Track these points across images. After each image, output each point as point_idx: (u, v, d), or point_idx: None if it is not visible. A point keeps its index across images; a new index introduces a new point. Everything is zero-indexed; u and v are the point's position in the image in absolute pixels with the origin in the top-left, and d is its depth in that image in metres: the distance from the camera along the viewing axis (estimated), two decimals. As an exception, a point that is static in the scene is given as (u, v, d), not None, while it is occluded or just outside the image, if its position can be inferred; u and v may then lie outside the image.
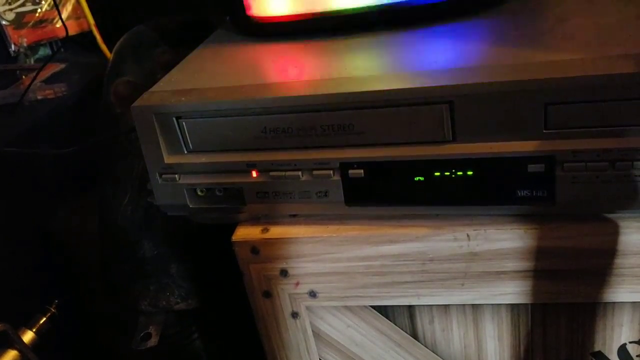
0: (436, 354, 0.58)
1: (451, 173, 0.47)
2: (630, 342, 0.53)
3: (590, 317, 0.52)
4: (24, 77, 0.92)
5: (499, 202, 0.48)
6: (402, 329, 0.57)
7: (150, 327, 0.67)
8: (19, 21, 0.98)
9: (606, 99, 0.41)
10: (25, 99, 0.82)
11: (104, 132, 0.73)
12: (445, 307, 0.54)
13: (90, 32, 1.02)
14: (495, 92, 0.43)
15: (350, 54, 0.55)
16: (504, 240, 0.49)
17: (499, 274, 0.50)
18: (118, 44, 0.79)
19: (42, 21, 1.01)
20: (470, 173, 0.47)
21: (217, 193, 0.53)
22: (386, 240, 0.51)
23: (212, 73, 0.56)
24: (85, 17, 1.02)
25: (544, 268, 0.49)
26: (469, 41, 0.53)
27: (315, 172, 0.50)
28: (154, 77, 0.68)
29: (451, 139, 0.46)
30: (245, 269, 0.55)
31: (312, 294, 0.55)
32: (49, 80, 0.89)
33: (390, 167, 0.48)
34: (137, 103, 0.51)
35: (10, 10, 0.97)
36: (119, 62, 0.76)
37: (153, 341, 0.65)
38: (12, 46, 0.97)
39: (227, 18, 0.71)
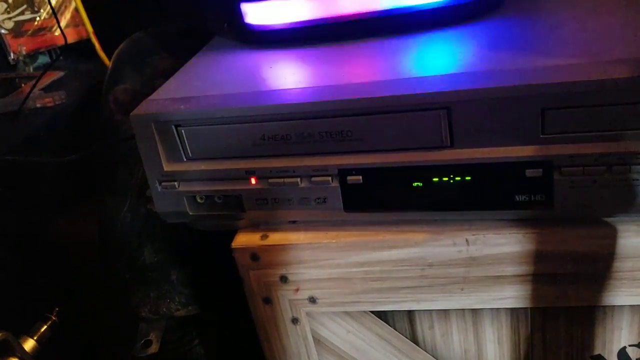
0: (436, 359, 0.58)
1: (449, 178, 0.47)
2: (630, 345, 0.53)
3: (590, 321, 0.52)
4: (23, 85, 0.92)
5: (497, 207, 0.48)
6: (402, 334, 0.57)
7: (151, 333, 0.67)
8: (18, 29, 0.98)
9: (603, 104, 0.42)
10: (25, 107, 0.82)
11: (103, 140, 0.73)
12: (445, 312, 0.55)
13: (89, 39, 1.02)
14: (492, 97, 0.43)
15: (347, 61, 0.56)
16: (503, 245, 0.49)
17: (498, 279, 0.50)
18: (117, 51, 0.79)
19: (41, 29, 1.01)
20: (468, 178, 0.47)
21: (217, 200, 0.53)
22: (385, 246, 0.51)
23: (211, 81, 0.56)
24: (83, 25, 1.02)
25: (543, 272, 0.49)
26: (466, 47, 0.53)
27: (313, 179, 0.50)
28: (152, 84, 0.68)
29: (449, 144, 0.46)
30: (245, 276, 0.55)
31: (312, 300, 0.55)
32: (48, 88, 0.89)
33: (388, 173, 0.48)
34: (136, 111, 0.51)
35: (9, 18, 0.97)
36: (117, 70, 0.77)
37: (154, 348, 0.65)
38: (11, 54, 0.98)
39: (225, 26, 0.72)
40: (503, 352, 0.56)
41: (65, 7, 1.03)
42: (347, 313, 0.56)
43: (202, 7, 0.72)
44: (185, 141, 0.51)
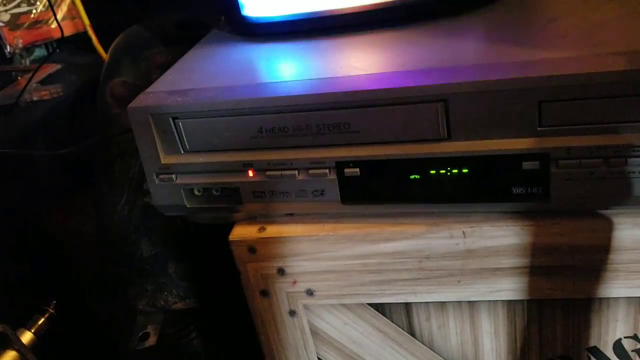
0: (433, 351, 0.58)
1: (446, 171, 0.47)
2: (625, 337, 0.53)
3: (586, 313, 0.52)
4: (19, 78, 0.92)
5: (494, 199, 0.48)
6: (399, 326, 0.57)
7: (149, 326, 0.67)
8: (14, 22, 0.98)
9: (599, 96, 0.42)
10: (21, 100, 0.82)
11: (100, 133, 0.73)
12: (442, 304, 0.55)
13: (86, 32, 1.02)
14: (489, 90, 0.43)
15: (344, 53, 0.56)
16: (500, 237, 0.49)
17: (495, 271, 0.51)
18: (113, 44, 0.79)
19: (37, 22, 1.01)
20: (465, 171, 0.47)
21: (214, 193, 0.53)
22: (382, 238, 0.51)
23: (208, 73, 0.56)
24: (80, 17, 1.02)
25: (540, 264, 0.49)
26: (463, 39, 0.53)
27: (311, 171, 0.50)
28: (149, 77, 0.68)
29: (446, 137, 0.46)
30: (242, 268, 0.55)
31: (309, 292, 0.55)
32: (44, 81, 0.89)
33: (385, 166, 0.48)
34: (133, 104, 0.51)
35: (5, 11, 0.97)
36: (114, 63, 0.76)
37: (151, 341, 0.65)
38: (8, 47, 0.97)
39: (222, 18, 0.71)
40: (499, 343, 0.56)
41: (62, -1, 1.02)
42: (344, 305, 0.56)
43: (199, -1, 0.72)
44: (183, 134, 0.51)
